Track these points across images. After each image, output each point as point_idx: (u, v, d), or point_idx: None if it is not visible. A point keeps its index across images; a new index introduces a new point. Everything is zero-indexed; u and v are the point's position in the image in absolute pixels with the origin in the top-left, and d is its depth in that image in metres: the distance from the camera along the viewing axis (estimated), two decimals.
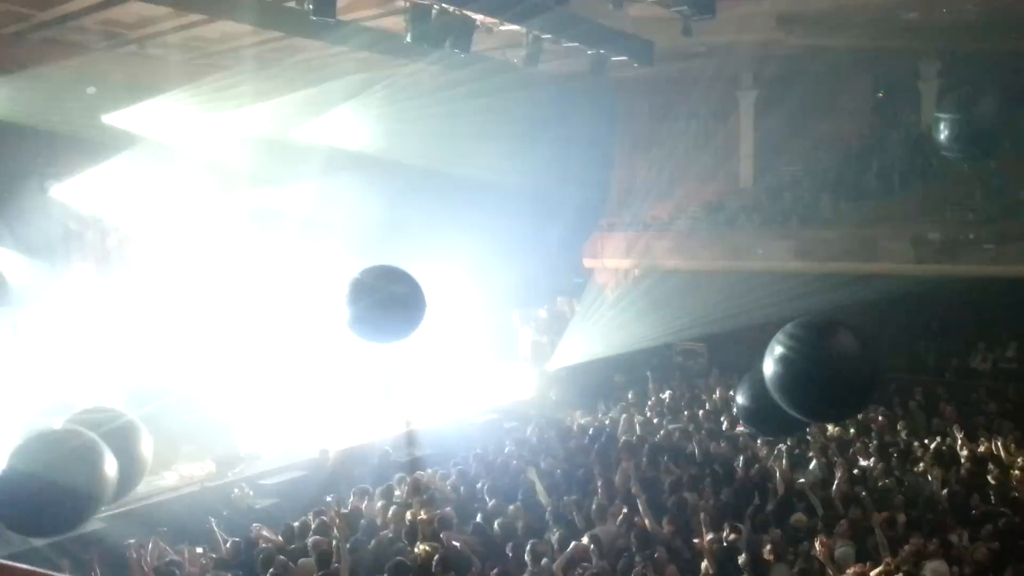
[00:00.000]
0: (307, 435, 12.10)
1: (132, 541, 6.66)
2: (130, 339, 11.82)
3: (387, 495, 8.40)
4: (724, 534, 7.04)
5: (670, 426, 11.34)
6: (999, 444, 9.49)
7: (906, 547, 6.45)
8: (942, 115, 8.12)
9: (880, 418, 11.11)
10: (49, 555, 8.11)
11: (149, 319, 12.63)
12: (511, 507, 7.76)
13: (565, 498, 7.95)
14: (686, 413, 12.18)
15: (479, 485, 8.68)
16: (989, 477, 8.41)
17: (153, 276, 12.95)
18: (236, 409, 11.87)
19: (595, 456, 9.88)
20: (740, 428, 10.86)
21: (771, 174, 18.83)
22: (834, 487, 8.02)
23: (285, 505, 9.20)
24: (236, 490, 9.00)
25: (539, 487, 8.31)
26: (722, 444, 10.16)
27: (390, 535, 7.33)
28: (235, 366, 12.66)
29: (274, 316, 13.93)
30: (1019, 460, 9.01)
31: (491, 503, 8.01)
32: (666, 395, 13.60)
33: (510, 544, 6.93)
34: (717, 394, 13.39)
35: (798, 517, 7.48)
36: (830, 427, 10.84)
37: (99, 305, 12.29)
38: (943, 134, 8.04)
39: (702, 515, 7.28)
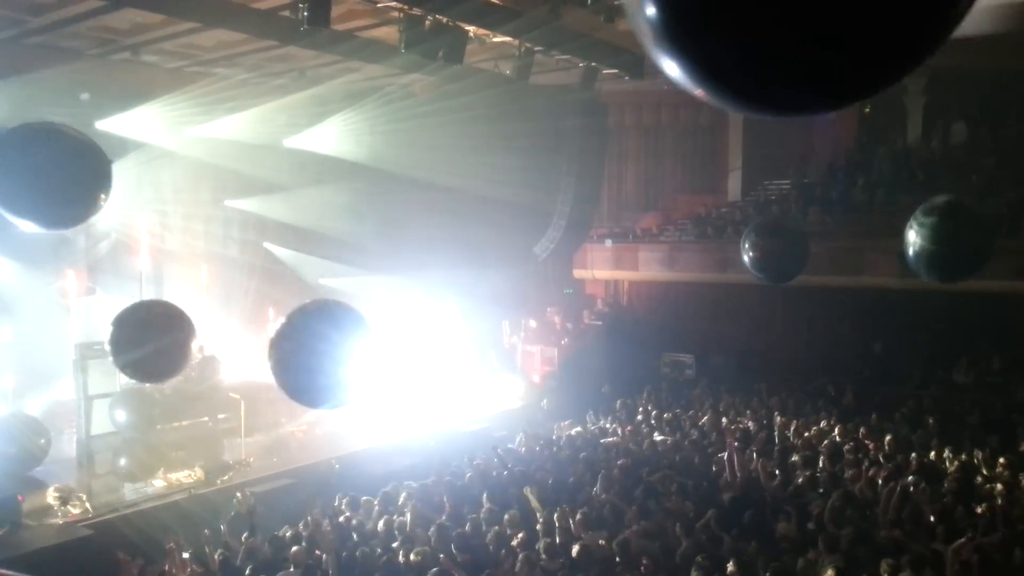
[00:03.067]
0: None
1: None
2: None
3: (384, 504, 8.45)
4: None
5: (657, 437, 11.41)
6: (981, 456, 9.62)
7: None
8: None
9: (862, 430, 11.22)
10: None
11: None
12: (506, 516, 7.80)
13: (558, 508, 7.99)
14: (671, 426, 12.24)
15: (481, 496, 8.69)
16: (975, 490, 8.52)
17: (142, 284, 12.93)
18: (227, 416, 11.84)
19: (583, 466, 9.93)
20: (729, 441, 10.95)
21: (759, 187, 19.02)
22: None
23: (274, 514, 9.18)
24: (239, 493, 8.98)
25: (535, 503, 8.35)
26: (718, 456, 10.17)
27: (378, 545, 7.36)
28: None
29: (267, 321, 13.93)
30: (1003, 472, 9.12)
31: (484, 510, 8.05)
32: (652, 406, 13.66)
33: (502, 552, 6.98)
34: (705, 405, 13.49)
35: (785, 528, 7.48)
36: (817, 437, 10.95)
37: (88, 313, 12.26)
38: None
39: (678, 524, 7.38)
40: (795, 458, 9.92)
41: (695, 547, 6.98)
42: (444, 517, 7.93)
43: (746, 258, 8.52)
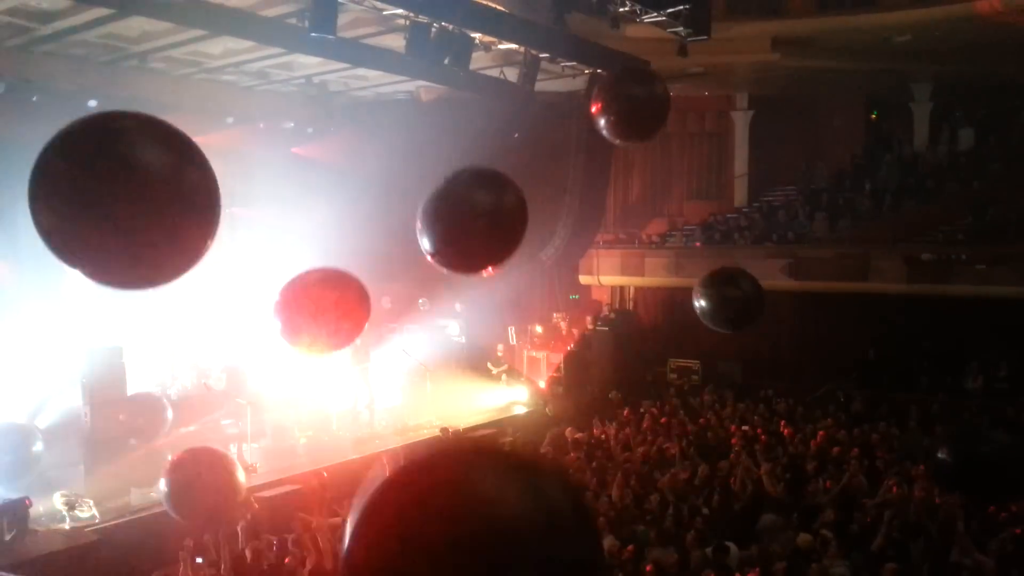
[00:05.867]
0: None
1: None
2: (129, 348, 11.78)
3: None
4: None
5: (664, 443, 11.38)
6: None
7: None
8: None
9: (874, 436, 11.18)
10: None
11: (146, 330, 12.65)
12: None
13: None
14: (678, 432, 12.20)
15: None
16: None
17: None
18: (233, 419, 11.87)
19: (591, 472, 9.92)
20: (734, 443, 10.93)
21: (765, 193, 19.00)
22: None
23: (279, 518, 9.18)
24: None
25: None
26: (725, 463, 10.15)
27: None
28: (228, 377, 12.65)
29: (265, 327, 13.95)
30: None
31: None
32: (659, 412, 13.63)
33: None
34: (711, 412, 13.45)
35: (804, 538, 7.39)
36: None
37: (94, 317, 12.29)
38: None
39: (692, 532, 7.35)
40: (804, 464, 9.90)
41: (703, 557, 6.96)
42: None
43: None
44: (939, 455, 6.40)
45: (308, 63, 13.21)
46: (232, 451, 11.52)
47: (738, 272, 7.74)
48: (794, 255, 16.32)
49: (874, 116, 19.22)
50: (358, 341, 12.77)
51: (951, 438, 6.43)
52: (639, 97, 6.26)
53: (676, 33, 11.85)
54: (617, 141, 6.54)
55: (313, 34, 9.93)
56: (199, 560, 7.08)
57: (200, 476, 6.01)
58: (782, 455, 10.38)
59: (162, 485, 6.18)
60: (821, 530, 7.50)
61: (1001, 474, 6.00)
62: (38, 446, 10.55)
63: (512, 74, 12.95)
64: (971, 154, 17.24)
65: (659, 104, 6.16)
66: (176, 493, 6.02)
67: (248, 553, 7.31)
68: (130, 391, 11.27)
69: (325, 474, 10.18)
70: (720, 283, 7.30)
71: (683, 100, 18.47)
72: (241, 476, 6.56)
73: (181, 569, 6.89)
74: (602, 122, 6.38)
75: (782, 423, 12.26)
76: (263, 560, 7.27)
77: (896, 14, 13.31)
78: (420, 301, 16.05)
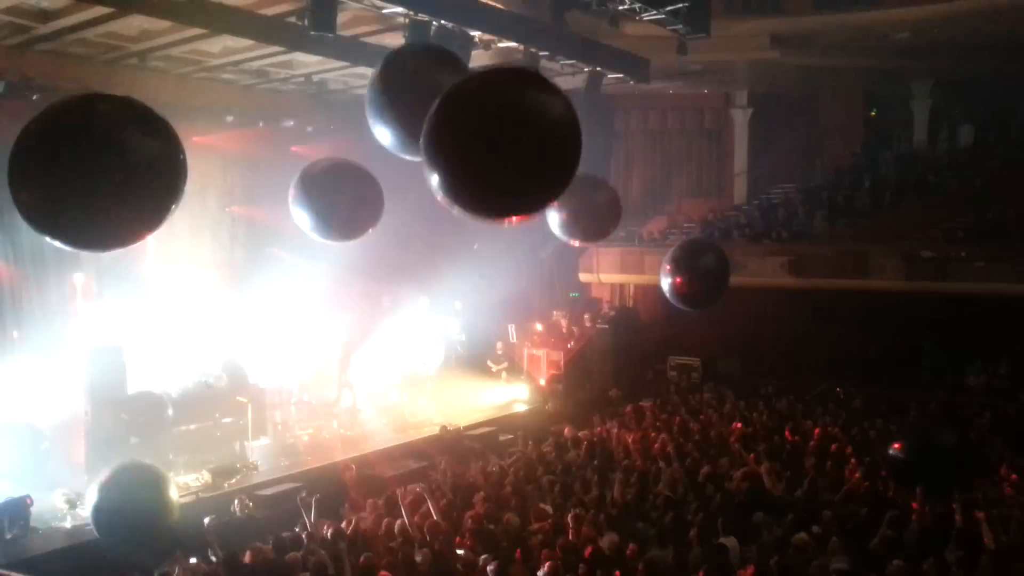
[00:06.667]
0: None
1: None
2: (130, 347, 11.79)
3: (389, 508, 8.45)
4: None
5: (664, 440, 11.38)
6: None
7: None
8: None
9: (872, 433, 11.19)
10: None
11: (146, 329, 12.66)
12: (506, 516, 7.82)
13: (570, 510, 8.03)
14: (678, 429, 12.21)
15: (476, 498, 8.72)
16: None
17: (149, 288, 12.98)
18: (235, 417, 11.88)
19: (591, 470, 9.93)
20: (734, 441, 10.95)
21: (764, 191, 19.01)
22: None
23: (282, 517, 9.20)
24: (236, 500, 9.01)
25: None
26: (720, 460, 10.18)
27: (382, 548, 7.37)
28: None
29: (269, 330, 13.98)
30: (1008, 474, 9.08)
31: (474, 512, 8.07)
32: (659, 409, 13.64)
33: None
34: (711, 409, 13.46)
35: (801, 537, 7.40)
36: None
37: (95, 317, 12.31)
38: None
39: (693, 530, 7.38)
40: (804, 462, 9.91)
41: (703, 554, 6.98)
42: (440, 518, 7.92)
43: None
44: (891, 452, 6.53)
45: (308, 62, 13.19)
46: (234, 449, 11.58)
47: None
48: (793, 252, 16.33)
49: (873, 113, 19.25)
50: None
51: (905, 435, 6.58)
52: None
53: (675, 31, 11.86)
54: (575, 243, 7.04)
55: (313, 32, 9.93)
56: (193, 560, 7.08)
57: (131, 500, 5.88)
58: (782, 453, 10.40)
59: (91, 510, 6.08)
60: (819, 527, 7.53)
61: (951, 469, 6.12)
62: (45, 445, 10.59)
63: None
64: (970, 151, 17.25)
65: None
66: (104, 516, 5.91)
67: (248, 554, 7.32)
68: (131, 390, 11.28)
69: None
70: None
71: (682, 98, 18.53)
72: (174, 494, 6.39)
73: (176, 570, 6.89)
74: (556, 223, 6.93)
75: (783, 420, 12.27)
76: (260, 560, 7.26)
77: (895, 11, 13.32)
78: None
